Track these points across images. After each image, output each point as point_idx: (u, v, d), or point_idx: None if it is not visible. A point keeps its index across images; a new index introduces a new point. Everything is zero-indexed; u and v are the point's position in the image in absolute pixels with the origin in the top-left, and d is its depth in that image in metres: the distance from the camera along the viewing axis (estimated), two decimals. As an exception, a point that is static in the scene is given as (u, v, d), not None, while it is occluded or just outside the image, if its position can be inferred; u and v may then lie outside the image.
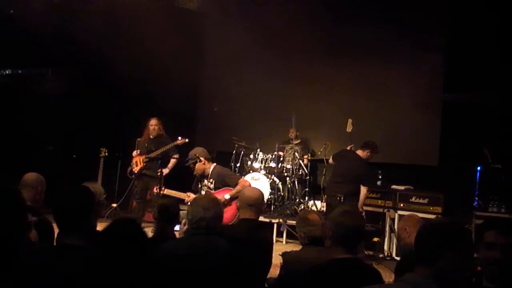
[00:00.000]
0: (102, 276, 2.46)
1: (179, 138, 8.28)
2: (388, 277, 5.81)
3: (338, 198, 7.27)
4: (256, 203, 4.38)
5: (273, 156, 9.40)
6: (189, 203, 3.96)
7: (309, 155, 9.89)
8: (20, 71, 10.37)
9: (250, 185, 6.66)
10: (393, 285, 2.83)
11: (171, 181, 7.85)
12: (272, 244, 4.58)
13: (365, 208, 7.90)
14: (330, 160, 8.11)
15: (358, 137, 7.94)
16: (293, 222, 7.90)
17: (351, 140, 7.88)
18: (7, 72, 10.37)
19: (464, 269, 2.31)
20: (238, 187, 6.56)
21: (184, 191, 7.12)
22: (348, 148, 7.85)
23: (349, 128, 8.00)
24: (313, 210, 7.88)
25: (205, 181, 6.91)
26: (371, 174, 8.07)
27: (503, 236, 2.71)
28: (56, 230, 3.08)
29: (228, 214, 6.31)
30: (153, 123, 8.62)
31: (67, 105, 9.79)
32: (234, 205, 6.42)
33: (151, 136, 8.63)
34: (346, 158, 7.70)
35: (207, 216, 3.51)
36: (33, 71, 10.36)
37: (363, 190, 7.48)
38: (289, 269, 3.66)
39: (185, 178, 8.17)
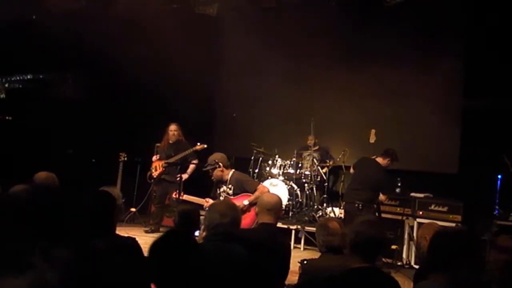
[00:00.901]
0: (128, 281, 2.46)
1: (198, 143, 8.31)
2: (406, 285, 5.77)
3: (356, 205, 7.23)
4: (275, 208, 4.40)
5: (292, 162, 9.38)
6: (207, 209, 3.96)
7: (328, 161, 9.82)
8: (40, 76, 10.48)
9: (268, 191, 6.64)
10: None
11: (190, 187, 7.86)
12: (290, 250, 4.57)
13: (384, 215, 7.85)
14: (352, 170, 8.05)
15: (377, 144, 7.88)
16: (311, 229, 7.88)
17: (374, 152, 7.79)
18: (28, 77, 10.49)
19: (477, 278, 2.29)
20: (256, 193, 6.54)
21: (203, 196, 7.12)
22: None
23: (372, 139, 7.91)
24: (334, 218, 7.78)
25: (224, 187, 6.91)
26: (390, 182, 8.00)
27: None
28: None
29: (247, 220, 6.30)
30: (172, 128, 8.67)
31: (87, 110, 9.87)
32: (252, 211, 6.39)
33: (170, 142, 8.68)
34: (366, 166, 7.65)
35: (224, 222, 3.50)
36: (53, 76, 10.47)
37: (381, 197, 7.44)
38: (308, 278, 3.64)
39: (204, 183, 8.18)
